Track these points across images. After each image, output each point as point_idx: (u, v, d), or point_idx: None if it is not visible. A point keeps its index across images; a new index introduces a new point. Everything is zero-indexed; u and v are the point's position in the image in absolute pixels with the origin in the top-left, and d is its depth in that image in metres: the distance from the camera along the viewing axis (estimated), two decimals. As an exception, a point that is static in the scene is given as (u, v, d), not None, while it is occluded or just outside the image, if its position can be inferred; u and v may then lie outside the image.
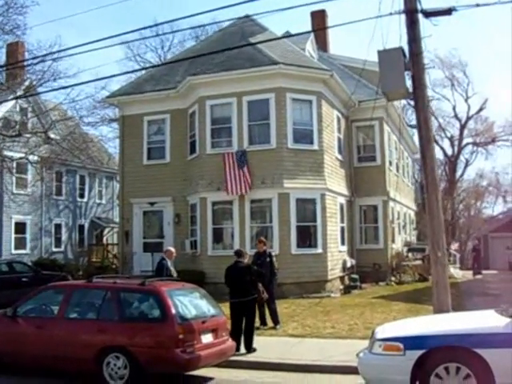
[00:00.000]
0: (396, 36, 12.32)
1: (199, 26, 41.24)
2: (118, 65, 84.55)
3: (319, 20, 36.40)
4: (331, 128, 25.91)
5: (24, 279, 22.16)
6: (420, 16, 11.99)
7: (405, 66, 12.06)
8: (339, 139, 27.37)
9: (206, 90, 24.27)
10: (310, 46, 30.92)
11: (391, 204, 30.22)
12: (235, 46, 20.70)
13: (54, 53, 19.63)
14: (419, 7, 11.94)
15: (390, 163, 31.26)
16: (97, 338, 10.44)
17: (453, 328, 8.57)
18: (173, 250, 15.81)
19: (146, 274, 21.66)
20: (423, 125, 12.02)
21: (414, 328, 9.10)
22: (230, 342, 11.59)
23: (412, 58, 12.11)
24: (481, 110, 60.89)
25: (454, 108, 61.55)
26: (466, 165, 66.08)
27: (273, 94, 23.44)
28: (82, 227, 43.45)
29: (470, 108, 60.83)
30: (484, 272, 37.14)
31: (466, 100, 61.06)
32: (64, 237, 41.32)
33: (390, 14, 12.06)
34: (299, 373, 11.65)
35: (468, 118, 61.67)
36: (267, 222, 23.46)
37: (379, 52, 12.20)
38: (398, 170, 33.78)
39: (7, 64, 25.22)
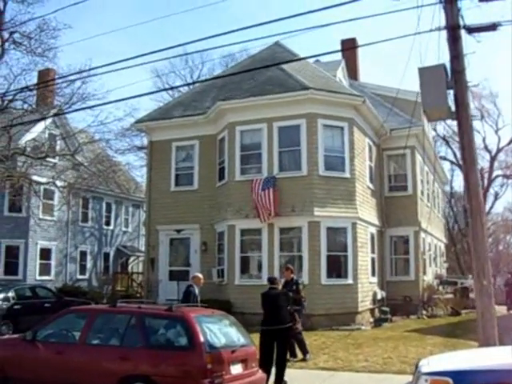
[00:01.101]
0: (433, 55, 11.80)
1: (229, 55, 41.24)
2: (148, 96, 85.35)
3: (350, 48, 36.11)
4: (363, 156, 25.33)
5: (46, 305, 21.73)
6: (462, 32, 11.41)
7: (446, 85, 11.48)
8: (370, 168, 26.77)
9: (235, 116, 23.87)
10: (341, 74, 30.50)
11: (422, 235, 29.43)
12: (265, 65, 20.09)
13: (84, 71, 19.38)
14: (462, 23, 11.37)
15: (422, 193, 30.55)
16: (119, 365, 9.81)
17: (507, 362, 7.83)
18: (201, 276, 15.21)
19: (172, 302, 21.04)
20: (467, 146, 11.38)
21: (463, 362, 8.36)
22: (260, 374, 10.89)
23: (454, 76, 11.51)
24: (511, 141, 59.91)
25: (483, 140, 60.67)
26: (496, 198, 65.04)
27: (303, 120, 22.95)
28: (107, 255, 43.15)
29: (501, 140, 59.95)
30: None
31: (496, 132, 60.24)
32: (89, 264, 41.04)
33: (430, 30, 11.51)
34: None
35: (498, 150, 60.79)
36: (296, 251, 22.82)
37: (420, 69, 11.64)
38: (428, 201, 33.03)
39: (37, 84, 25.06)
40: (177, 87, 38.54)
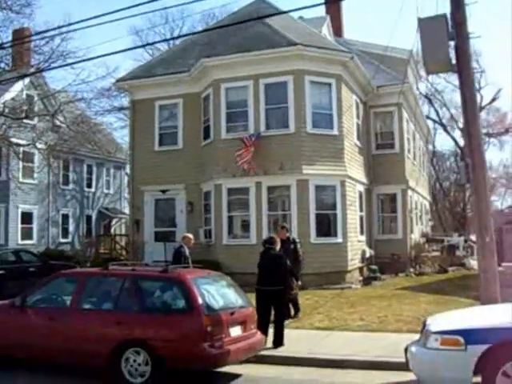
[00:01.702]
0: (429, 10, 11.33)
1: (209, 14, 40.39)
2: (126, 53, 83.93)
3: (334, 4, 35.40)
4: (350, 113, 24.88)
5: (31, 269, 21.20)
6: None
7: (447, 36, 11.04)
8: (358, 125, 26.35)
9: (220, 73, 23.22)
10: (327, 30, 29.96)
11: (409, 193, 29.21)
12: (251, 19, 19.34)
13: (62, 27, 18.54)
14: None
15: (409, 151, 30.26)
16: (114, 330, 9.44)
17: (516, 319, 7.58)
18: (191, 236, 14.88)
19: (159, 264, 20.69)
20: (468, 98, 11.00)
21: (472, 320, 8.11)
22: (259, 336, 10.58)
23: (456, 28, 11.06)
24: (493, 100, 59.84)
25: (466, 98, 60.20)
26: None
27: (291, 77, 22.40)
28: (89, 218, 42.66)
29: (483, 98, 59.61)
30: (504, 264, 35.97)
31: (478, 90, 59.81)
32: (71, 227, 40.55)
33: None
34: (332, 368, 10.68)
35: (480, 109, 60.43)
36: (285, 209, 22.47)
37: (420, 20, 11.16)
38: (414, 159, 32.80)
39: (13, 41, 24.04)
40: (158, 42, 37.66)
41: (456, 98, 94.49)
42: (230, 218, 22.91)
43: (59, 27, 18.19)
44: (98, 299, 10.30)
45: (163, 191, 25.14)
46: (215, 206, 22.96)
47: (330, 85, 23.10)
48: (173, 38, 35.22)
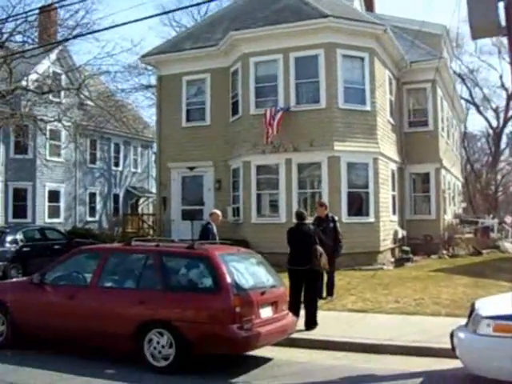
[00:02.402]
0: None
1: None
2: (153, 31, 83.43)
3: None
4: (383, 89, 24.00)
5: (56, 246, 20.79)
6: None
7: (496, -3, 10.17)
8: (391, 101, 25.45)
9: (249, 47, 22.49)
10: (358, 4, 28.99)
11: (443, 172, 28.30)
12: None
13: None
14: None
15: (442, 129, 29.27)
16: (137, 310, 8.86)
17: None
18: (219, 213, 14.31)
19: (187, 242, 20.16)
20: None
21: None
22: (291, 317, 9.92)
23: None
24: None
25: (500, 77, 58.70)
26: (511, 138, 63.26)
27: (322, 50, 21.60)
28: (116, 196, 42.33)
29: (522, 78, 57.78)
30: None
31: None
32: (98, 206, 40.25)
33: None
34: (366, 354, 10.04)
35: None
36: (316, 187, 21.78)
37: (466, -23, 10.29)
38: (448, 138, 31.83)
39: (38, 14, 23.49)
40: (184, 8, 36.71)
41: (490, 77, 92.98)
42: (259, 196, 22.29)
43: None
44: (119, 277, 9.70)
45: (191, 168, 24.57)
46: (244, 184, 22.34)
47: (362, 59, 22.26)
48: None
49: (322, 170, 21.37)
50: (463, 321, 8.19)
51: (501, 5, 10.37)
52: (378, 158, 22.09)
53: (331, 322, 11.82)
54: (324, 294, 14.12)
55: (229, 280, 8.61)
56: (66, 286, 9.86)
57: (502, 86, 59.02)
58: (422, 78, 27.04)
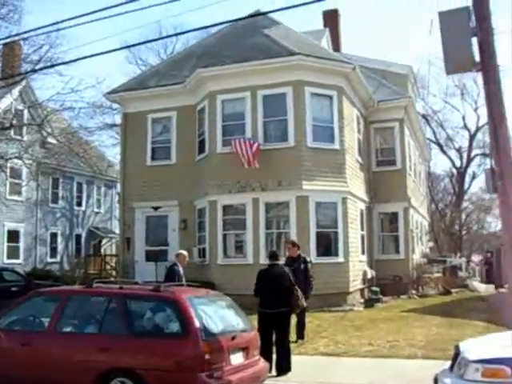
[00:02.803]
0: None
1: (205, 27, 39.26)
2: (119, 70, 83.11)
3: (332, 20, 34.92)
4: (351, 127, 23.86)
5: (14, 289, 19.98)
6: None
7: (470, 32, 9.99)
8: (359, 140, 25.34)
9: (216, 84, 22.17)
10: (326, 44, 29.04)
11: (411, 212, 28.15)
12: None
13: (51, 32, 17.47)
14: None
15: (410, 168, 29.22)
16: (98, 357, 8.21)
17: None
18: (186, 253, 13.70)
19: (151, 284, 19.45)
20: (494, 99, 9.85)
21: (516, 347, 6.94)
22: (263, 363, 9.34)
23: (479, 23, 9.99)
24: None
25: (463, 118, 59.73)
26: (473, 177, 64.24)
27: (290, 88, 21.38)
28: (79, 237, 41.36)
29: (480, 118, 58.79)
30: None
31: (475, 110, 59.24)
32: (60, 247, 39.26)
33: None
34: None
35: (477, 129, 59.84)
36: (283, 227, 21.35)
37: (441, 14, 10.05)
38: (415, 177, 31.81)
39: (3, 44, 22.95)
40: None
41: (453, 118, 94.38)
42: (226, 237, 21.76)
43: (48, 31, 17.13)
44: (79, 321, 9.05)
45: (155, 208, 23.96)
46: (210, 224, 21.80)
47: (331, 97, 22.10)
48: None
49: (290, 210, 20.94)
50: (441, 363, 7.78)
51: (474, 40, 10.24)
52: (346, 197, 21.80)
53: (303, 367, 11.27)
54: (294, 338, 13.57)
55: (197, 324, 8.02)
56: (22, 332, 9.14)
57: (465, 126, 59.99)
58: (390, 117, 27.16)
